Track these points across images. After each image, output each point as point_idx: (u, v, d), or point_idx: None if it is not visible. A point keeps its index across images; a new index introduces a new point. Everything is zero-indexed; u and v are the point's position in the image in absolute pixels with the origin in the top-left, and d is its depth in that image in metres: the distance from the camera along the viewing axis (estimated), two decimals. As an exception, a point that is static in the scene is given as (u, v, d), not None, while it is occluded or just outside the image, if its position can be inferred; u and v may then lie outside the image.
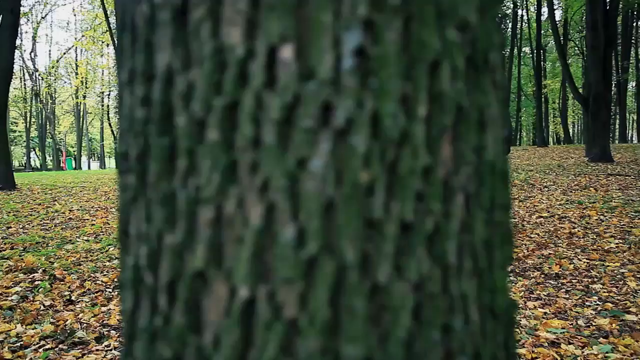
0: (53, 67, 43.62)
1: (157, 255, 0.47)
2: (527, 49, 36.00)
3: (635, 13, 27.43)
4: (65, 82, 48.60)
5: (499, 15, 0.53)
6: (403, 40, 0.44)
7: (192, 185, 0.45)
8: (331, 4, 0.42)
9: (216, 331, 0.44)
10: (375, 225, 0.43)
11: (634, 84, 34.20)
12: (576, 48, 32.65)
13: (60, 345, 3.15)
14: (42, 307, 3.85)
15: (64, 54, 45.84)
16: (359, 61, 0.43)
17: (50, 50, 50.29)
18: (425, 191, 0.44)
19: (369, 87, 0.43)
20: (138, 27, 0.49)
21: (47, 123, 43.96)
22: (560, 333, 4.06)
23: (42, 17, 42.28)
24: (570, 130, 45.13)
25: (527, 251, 6.30)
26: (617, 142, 29.34)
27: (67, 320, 3.54)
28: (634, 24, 28.84)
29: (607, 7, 14.21)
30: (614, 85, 27.68)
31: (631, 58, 29.24)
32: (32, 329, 3.40)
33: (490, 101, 0.50)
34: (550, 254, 5.90)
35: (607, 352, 3.68)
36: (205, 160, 0.44)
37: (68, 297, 4.09)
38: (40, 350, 3.08)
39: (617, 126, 27.83)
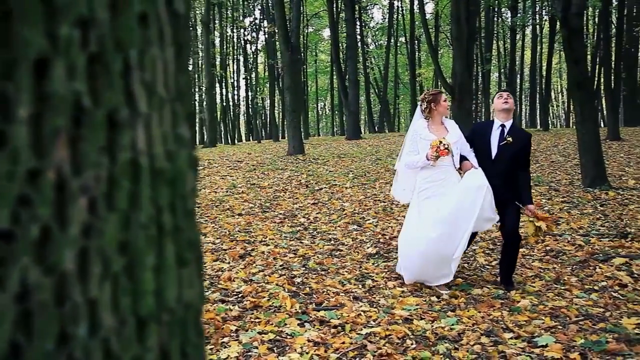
0: None
1: None
2: (403, 39, 37.68)
3: (496, 10, 29.70)
4: None
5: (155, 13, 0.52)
6: (1, 38, 0.41)
7: None
8: None
9: None
10: (-34, 236, 0.40)
11: (497, 75, 37.10)
12: (447, 39, 34.74)
13: None
14: None
15: None
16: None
17: None
18: (31, 196, 0.42)
19: (-46, 88, 0.40)
20: None
21: None
22: (414, 310, 4.32)
23: None
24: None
25: (394, 232, 6.62)
26: (483, 128, 31.62)
27: None
28: (495, 19, 31.23)
29: (469, 2, 15.21)
30: (480, 75, 29.79)
31: (493, 50, 31.64)
32: None
33: (134, 100, 0.49)
34: (412, 235, 6.22)
35: (452, 324, 3.98)
36: None
37: None
38: None
39: (482, 114, 30.05)
